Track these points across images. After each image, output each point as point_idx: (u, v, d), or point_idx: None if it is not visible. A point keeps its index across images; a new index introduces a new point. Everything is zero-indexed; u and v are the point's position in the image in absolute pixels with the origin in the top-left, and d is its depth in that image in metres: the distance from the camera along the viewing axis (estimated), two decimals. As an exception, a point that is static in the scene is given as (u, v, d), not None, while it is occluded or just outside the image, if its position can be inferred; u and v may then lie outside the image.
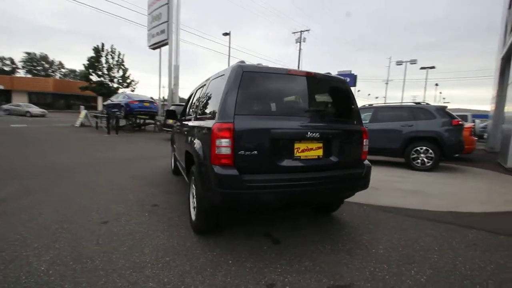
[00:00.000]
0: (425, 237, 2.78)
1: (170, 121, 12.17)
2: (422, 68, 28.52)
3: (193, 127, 2.78)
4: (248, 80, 2.23)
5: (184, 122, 3.66)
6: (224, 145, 2.10)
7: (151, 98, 16.99)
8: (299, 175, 2.25)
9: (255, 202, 2.12)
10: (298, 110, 2.41)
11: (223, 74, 2.43)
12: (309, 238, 2.69)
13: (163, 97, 28.61)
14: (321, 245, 2.55)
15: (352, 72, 30.82)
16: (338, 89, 2.65)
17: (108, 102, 16.34)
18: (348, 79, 32.51)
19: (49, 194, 3.74)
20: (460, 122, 6.36)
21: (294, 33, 34.00)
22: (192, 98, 3.76)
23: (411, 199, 4.07)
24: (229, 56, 26.12)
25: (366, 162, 2.71)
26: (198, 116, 2.89)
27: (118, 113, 14.42)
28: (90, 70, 30.33)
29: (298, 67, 33.51)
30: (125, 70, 32.17)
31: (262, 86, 2.31)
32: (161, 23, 16.71)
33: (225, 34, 25.67)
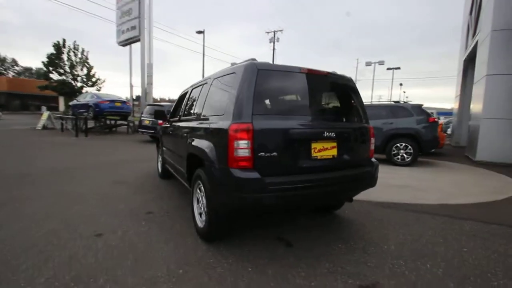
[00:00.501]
0: (428, 230, 2.88)
1: (146, 122, 11.64)
2: (389, 68, 30.58)
3: (199, 128, 2.62)
4: (263, 79, 2.13)
5: (179, 123, 3.45)
6: (243, 146, 1.98)
7: (120, 97, 16.11)
8: (317, 176, 2.20)
9: (277, 205, 2.03)
10: (312, 109, 2.36)
11: (233, 72, 2.31)
12: (320, 238, 2.66)
13: (131, 97, 27.27)
14: (334, 245, 2.53)
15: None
16: (347, 87, 2.65)
17: (74, 102, 15.20)
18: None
19: (27, 206, 3.32)
20: (436, 119, 6.79)
21: (267, 32, 34.12)
22: (187, 97, 3.56)
23: (403, 194, 4.23)
24: (203, 55, 25.60)
25: (374, 159, 2.75)
26: (202, 117, 2.72)
27: (86, 114, 13.45)
28: (50, 68, 27.96)
29: (272, 66, 33.86)
30: (90, 68, 30.08)
31: (277, 85, 2.22)
32: (132, 19, 15.85)
33: (199, 32, 25.07)
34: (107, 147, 9.44)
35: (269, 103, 2.18)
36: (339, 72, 2.63)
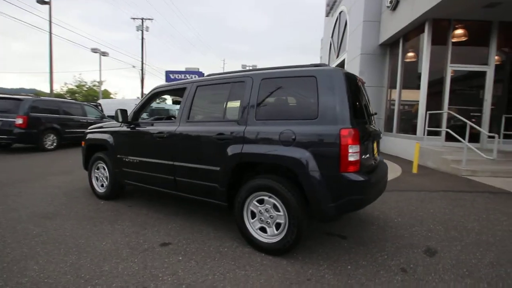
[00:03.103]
0: (419, 203, 3.82)
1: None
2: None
3: (266, 133, 2.31)
4: (348, 84, 2.24)
5: (190, 128, 2.81)
6: (354, 151, 2.04)
7: None
8: (381, 172, 2.55)
9: (371, 202, 2.24)
10: (366, 113, 2.66)
11: (312, 76, 2.24)
12: (361, 229, 2.93)
13: None
14: (375, 232, 2.92)
15: (200, 71, 32.03)
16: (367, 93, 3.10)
17: None
18: (197, 77, 33.06)
19: None
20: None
21: (134, 19, 30.45)
22: (193, 97, 2.90)
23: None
24: (50, 33, 19.43)
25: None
26: (257, 120, 2.41)
27: None
28: None
29: (142, 57, 30.46)
30: None
31: (353, 90, 2.35)
32: None
33: (42, 2, 18.78)
34: None
35: (353, 108, 2.30)
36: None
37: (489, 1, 5.75)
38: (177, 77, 31.92)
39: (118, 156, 3.49)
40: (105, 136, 3.66)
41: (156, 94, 3.40)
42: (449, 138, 6.82)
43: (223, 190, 2.58)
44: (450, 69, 6.86)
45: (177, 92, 3.33)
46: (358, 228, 2.97)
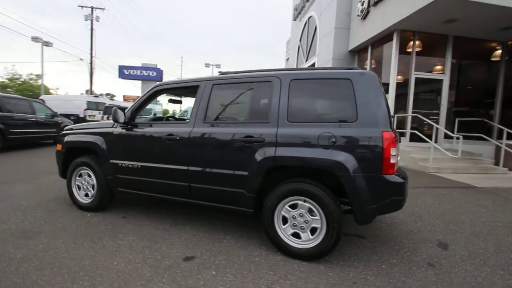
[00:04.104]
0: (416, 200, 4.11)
1: None
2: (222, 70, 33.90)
3: (301, 135, 2.23)
4: (382, 87, 2.30)
5: (211, 129, 2.59)
6: (395, 153, 2.10)
7: None
8: (405, 175, 2.67)
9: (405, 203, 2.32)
10: (389, 115, 2.75)
11: (347, 78, 2.24)
12: (367, 226, 3.09)
13: None
14: (388, 229, 3.10)
15: (158, 67, 30.24)
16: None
17: None
18: (155, 73, 31.12)
19: None
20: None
21: (82, 7, 27.52)
22: (209, 97, 2.67)
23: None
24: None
25: None
26: (290, 122, 2.31)
27: None
28: None
29: (91, 49, 27.61)
30: None
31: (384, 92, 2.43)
32: None
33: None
34: None
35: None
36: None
37: (448, 17, 6.51)
38: (132, 73, 29.94)
39: (112, 161, 3.07)
40: (93, 138, 3.19)
41: (158, 91, 3.07)
42: (412, 138, 7.55)
43: (251, 196, 2.44)
44: (414, 76, 7.61)
45: (184, 91, 3.05)
46: (370, 227, 3.08)
